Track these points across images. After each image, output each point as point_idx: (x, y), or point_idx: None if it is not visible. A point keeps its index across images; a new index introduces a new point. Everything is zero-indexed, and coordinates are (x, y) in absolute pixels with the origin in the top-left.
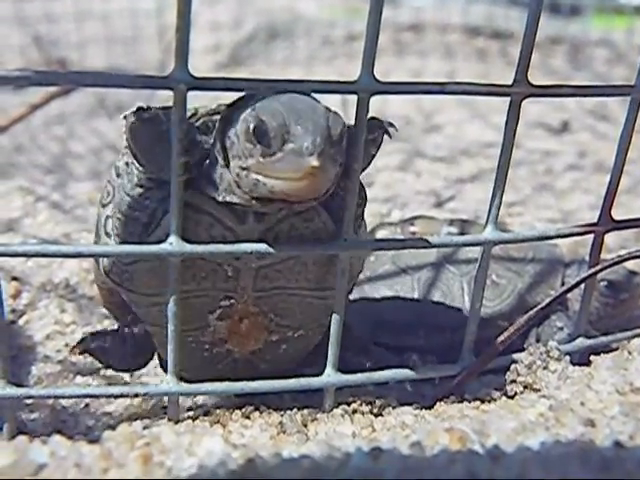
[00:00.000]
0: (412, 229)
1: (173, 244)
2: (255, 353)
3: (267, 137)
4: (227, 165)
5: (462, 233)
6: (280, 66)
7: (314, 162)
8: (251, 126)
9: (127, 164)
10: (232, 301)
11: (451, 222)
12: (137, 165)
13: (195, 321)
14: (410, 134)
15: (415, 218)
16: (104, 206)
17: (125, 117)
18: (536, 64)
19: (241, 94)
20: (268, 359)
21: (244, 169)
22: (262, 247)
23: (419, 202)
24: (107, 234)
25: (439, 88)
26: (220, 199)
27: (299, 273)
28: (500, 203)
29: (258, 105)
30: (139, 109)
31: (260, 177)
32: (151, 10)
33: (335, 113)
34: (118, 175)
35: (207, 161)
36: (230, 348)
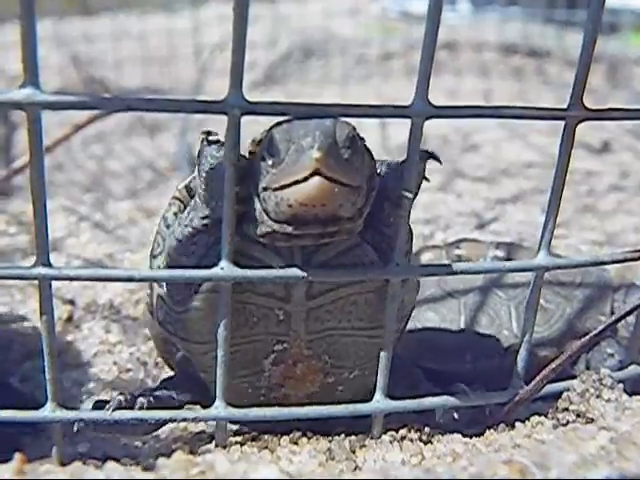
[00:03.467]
0: (458, 252)
1: (224, 269)
2: (312, 396)
3: (275, 148)
4: (258, 195)
5: (509, 257)
6: (315, 85)
7: (315, 155)
8: (265, 144)
9: (175, 214)
10: (285, 345)
11: (497, 245)
12: (198, 201)
13: (250, 367)
14: (449, 154)
15: (460, 241)
16: (154, 257)
17: (203, 144)
18: (572, 82)
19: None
20: (325, 402)
21: (265, 189)
22: (313, 272)
23: (461, 224)
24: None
25: (493, 112)
26: (258, 233)
27: (350, 313)
28: (554, 227)
29: (274, 126)
30: (209, 135)
31: (277, 192)
32: (187, 30)
33: (343, 121)
34: (167, 226)
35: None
36: (287, 392)
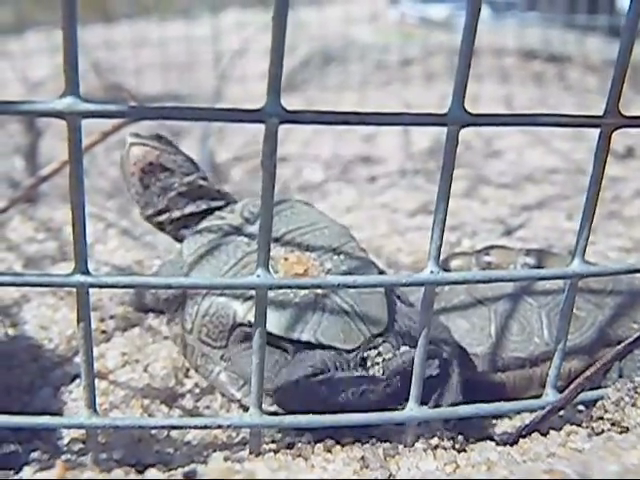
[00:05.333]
0: (487, 259)
1: (260, 276)
2: None
3: None
4: None
5: (539, 264)
6: (334, 91)
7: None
8: None
9: None
10: None
11: (527, 252)
12: None
13: None
14: (471, 160)
15: (489, 248)
16: None
17: None
18: (595, 88)
19: None
20: None
21: None
22: (349, 280)
23: (488, 230)
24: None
25: (529, 120)
26: None
27: None
28: (588, 235)
29: None
30: None
31: None
32: (207, 37)
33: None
34: None
35: None
36: None
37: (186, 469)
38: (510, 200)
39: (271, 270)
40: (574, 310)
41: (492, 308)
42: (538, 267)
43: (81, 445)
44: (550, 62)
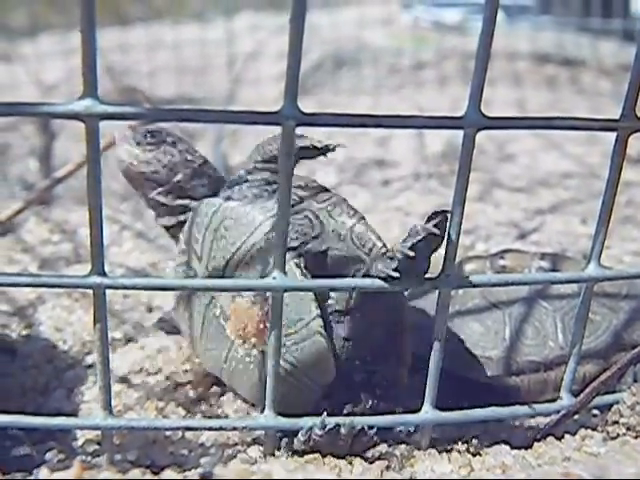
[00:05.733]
0: (502, 263)
1: (277, 279)
2: None
3: None
4: None
5: (554, 268)
6: (347, 95)
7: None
8: None
9: None
10: None
11: (542, 256)
12: None
13: None
14: (485, 164)
15: (504, 252)
16: None
17: None
18: (609, 92)
19: None
20: None
21: None
22: (366, 282)
23: (502, 234)
24: None
25: (545, 123)
26: None
27: None
28: (604, 239)
29: None
30: None
31: None
32: (220, 40)
33: None
34: None
35: None
36: None
37: (202, 470)
38: (524, 204)
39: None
40: (589, 314)
41: (507, 312)
42: (553, 271)
43: (95, 446)
44: (563, 66)
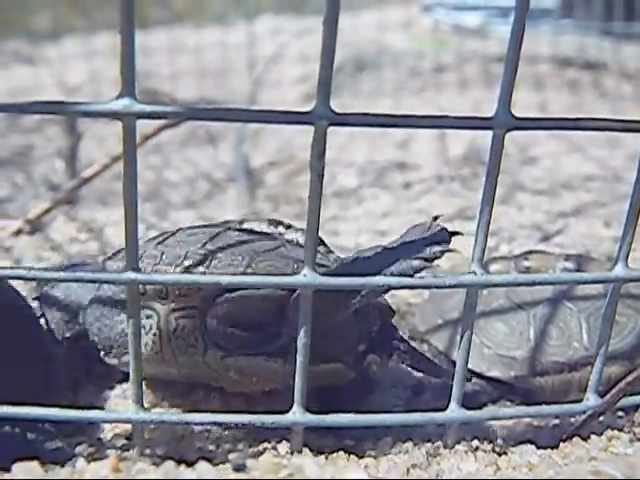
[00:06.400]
0: (526, 264)
1: (307, 276)
2: None
3: None
4: None
5: (578, 269)
6: (368, 97)
7: None
8: None
9: None
10: None
11: (567, 257)
12: None
13: None
14: (507, 166)
15: (528, 253)
16: None
17: None
18: (631, 96)
19: None
20: None
21: None
22: (393, 281)
23: (525, 236)
24: None
25: (573, 124)
26: None
27: None
28: (632, 240)
29: None
30: None
31: None
32: (242, 43)
33: None
34: None
35: None
36: None
37: (236, 463)
38: (546, 207)
39: None
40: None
41: (531, 312)
42: (578, 272)
43: (124, 441)
44: (585, 69)
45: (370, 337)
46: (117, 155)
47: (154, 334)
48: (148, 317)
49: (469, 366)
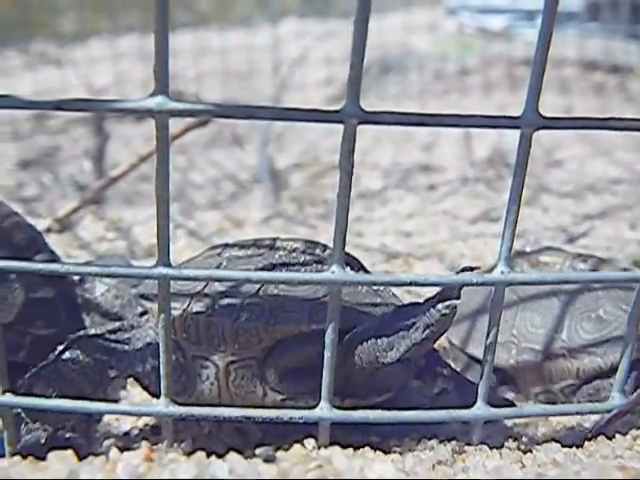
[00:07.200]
0: (542, 259)
1: (335, 272)
2: None
3: None
4: None
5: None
6: (392, 100)
7: None
8: None
9: None
10: None
11: (585, 259)
12: None
13: None
14: (533, 169)
15: (545, 249)
16: None
17: None
18: None
19: None
20: None
21: None
22: (420, 278)
23: (550, 238)
24: None
25: (601, 124)
26: None
27: None
28: None
29: None
30: None
31: None
32: (266, 45)
33: None
34: None
35: None
36: None
37: (266, 454)
38: (572, 209)
39: None
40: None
41: (522, 304)
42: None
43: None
44: (611, 73)
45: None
46: (145, 155)
47: (212, 383)
48: (205, 367)
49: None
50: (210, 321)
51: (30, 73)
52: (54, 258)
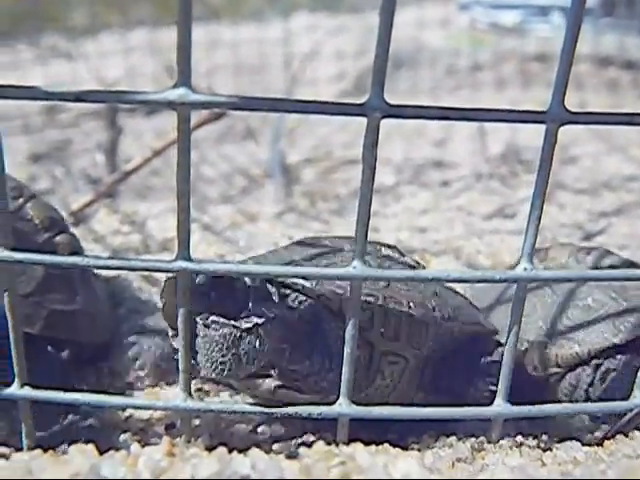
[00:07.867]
0: (550, 254)
1: (356, 268)
2: None
3: None
4: None
5: (596, 266)
6: (404, 95)
7: None
8: None
9: None
10: None
11: (588, 251)
12: None
13: None
14: None
15: (554, 245)
16: None
17: None
18: None
19: None
20: None
21: None
22: (442, 273)
23: (566, 235)
24: None
25: (628, 119)
26: None
27: None
28: None
29: None
30: None
31: None
32: (278, 39)
33: None
34: None
35: None
36: None
37: (289, 450)
38: (587, 206)
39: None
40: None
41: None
42: (596, 268)
43: (157, 429)
44: (625, 69)
45: None
46: (159, 149)
47: (392, 380)
48: (394, 363)
49: None
50: (413, 319)
51: (41, 67)
52: (75, 239)
